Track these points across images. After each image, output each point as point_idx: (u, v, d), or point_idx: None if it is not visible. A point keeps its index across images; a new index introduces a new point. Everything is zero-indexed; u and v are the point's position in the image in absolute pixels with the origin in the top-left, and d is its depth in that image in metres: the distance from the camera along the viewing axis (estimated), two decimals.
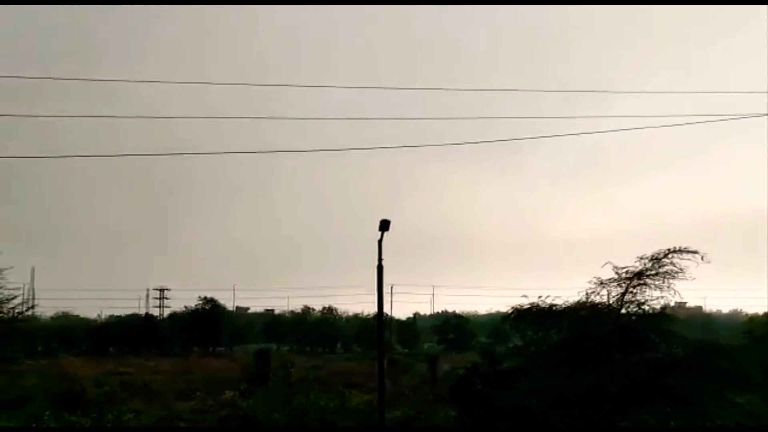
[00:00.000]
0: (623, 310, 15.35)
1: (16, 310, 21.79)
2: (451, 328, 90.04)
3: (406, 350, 72.91)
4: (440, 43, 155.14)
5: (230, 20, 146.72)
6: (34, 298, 77.25)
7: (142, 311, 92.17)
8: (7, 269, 20.33)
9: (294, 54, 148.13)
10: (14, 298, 21.18)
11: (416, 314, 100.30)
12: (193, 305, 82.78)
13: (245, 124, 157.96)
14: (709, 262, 14.39)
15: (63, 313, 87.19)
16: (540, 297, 15.96)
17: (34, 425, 21.69)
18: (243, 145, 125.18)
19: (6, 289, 20.44)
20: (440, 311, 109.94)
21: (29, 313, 30.37)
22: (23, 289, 44.32)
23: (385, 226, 18.22)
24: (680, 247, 14.62)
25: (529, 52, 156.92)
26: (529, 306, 15.94)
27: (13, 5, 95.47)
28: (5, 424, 21.45)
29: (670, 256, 14.67)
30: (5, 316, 20.65)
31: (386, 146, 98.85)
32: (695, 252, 14.43)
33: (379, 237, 18.49)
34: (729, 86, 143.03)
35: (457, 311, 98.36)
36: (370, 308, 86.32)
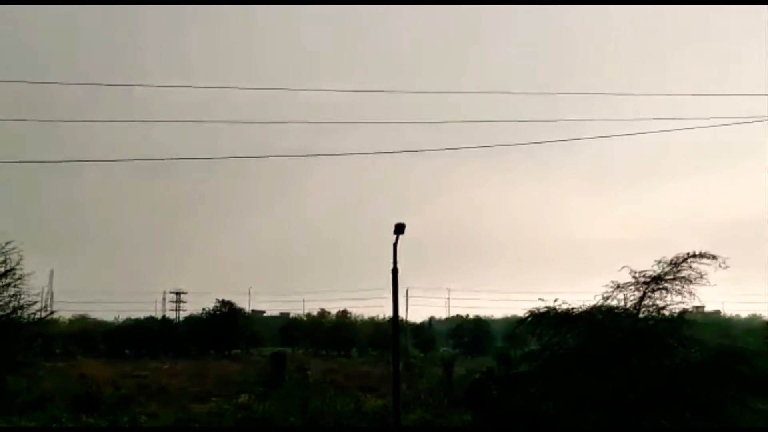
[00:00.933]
0: (641, 315, 15.21)
1: (36, 316, 21.99)
2: (467, 332, 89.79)
3: (422, 354, 72.71)
4: (466, 45, 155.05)
5: (264, 22, 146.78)
6: (52, 301, 78.16)
7: (159, 314, 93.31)
8: (28, 274, 20.47)
9: (323, 56, 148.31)
10: (34, 303, 21.37)
11: (431, 318, 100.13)
12: (209, 308, 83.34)
13: (259, 128, 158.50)
14: (727, 267, 14.24)
15: (81, 315, 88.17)
16: (556, 300, 15.87)
17: (54, 425, 21.96)
18: (258, 149, 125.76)
19: (27, 294, 20.60)
20: (455, 315, 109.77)
21: (49, 318, 30.68)
22: (42, 292, 44.82)
23: (399, 229, 18.24)
24: (700, 252, 14.49)
25: (553, 54, 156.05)
26: (545, 310, 15.84)
27: (37, 5, 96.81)
28: (26, 425, 21.74)
29: (689, 260, 14.54)
30: (26, 320, 20.85)
31: (400, 150, 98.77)
32: (714, 257, 14.30)
33: (394, 240, 18.51)
34: (755, 89, 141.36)
35: (473, 315, 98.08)
36: (385, 312, 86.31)
